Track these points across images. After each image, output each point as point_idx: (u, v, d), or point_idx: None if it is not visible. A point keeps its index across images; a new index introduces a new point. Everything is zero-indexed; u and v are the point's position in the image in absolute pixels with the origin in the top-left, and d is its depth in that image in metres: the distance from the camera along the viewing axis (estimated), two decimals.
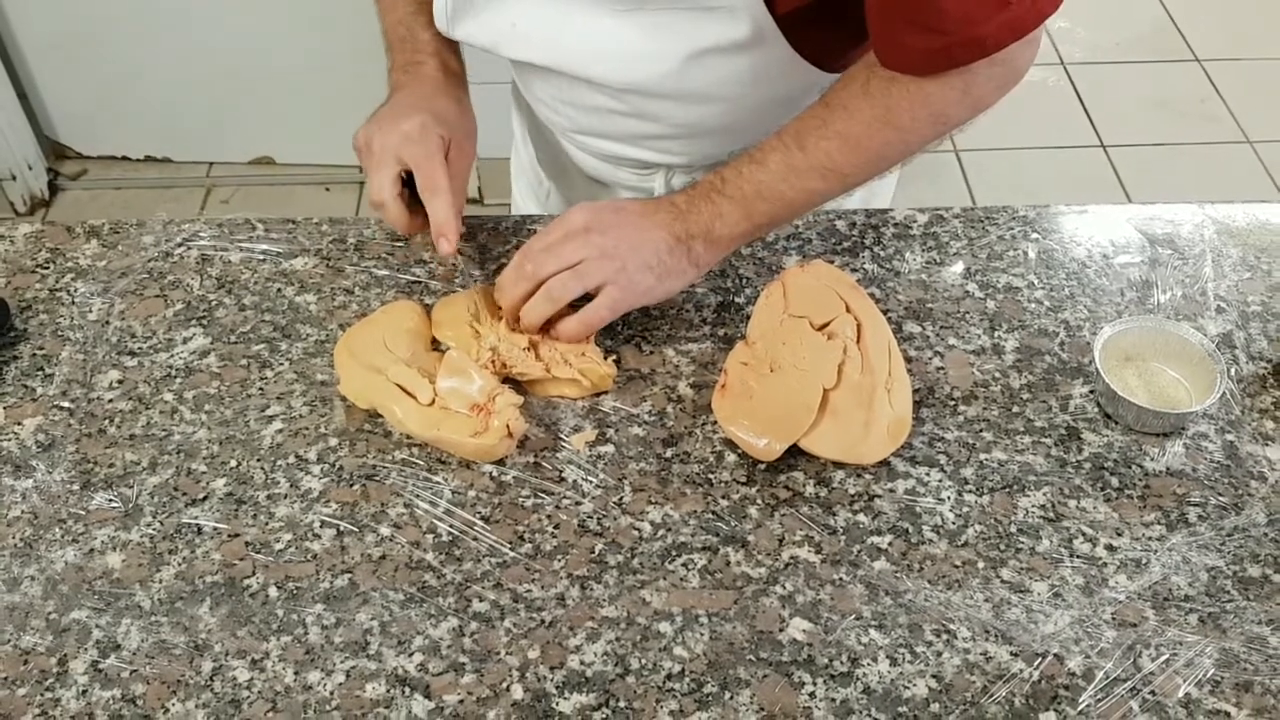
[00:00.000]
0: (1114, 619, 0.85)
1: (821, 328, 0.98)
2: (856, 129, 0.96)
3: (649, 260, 0.96)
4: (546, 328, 0.98)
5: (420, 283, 1.08)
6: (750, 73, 1.02)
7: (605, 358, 0.99)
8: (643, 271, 0.96)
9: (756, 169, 0.98)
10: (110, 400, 0.99)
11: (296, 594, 0.86)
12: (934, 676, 0.82)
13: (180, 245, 1.12)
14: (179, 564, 0.88)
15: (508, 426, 0.92)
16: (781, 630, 0.84)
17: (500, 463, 0.94)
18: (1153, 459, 0.95)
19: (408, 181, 1.02)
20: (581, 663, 0.83)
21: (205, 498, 0.92)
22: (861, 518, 0.91)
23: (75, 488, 0.93)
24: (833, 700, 0.80)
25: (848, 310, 0.99)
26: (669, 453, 0.95)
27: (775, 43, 0.99)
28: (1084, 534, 0.90)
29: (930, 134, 0.98)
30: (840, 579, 0.87)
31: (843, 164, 0.97)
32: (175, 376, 1.01)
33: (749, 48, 0.99)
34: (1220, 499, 0.92)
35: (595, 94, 1.08)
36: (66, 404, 0.99)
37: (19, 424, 0.97)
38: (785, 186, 0.97)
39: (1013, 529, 0.90)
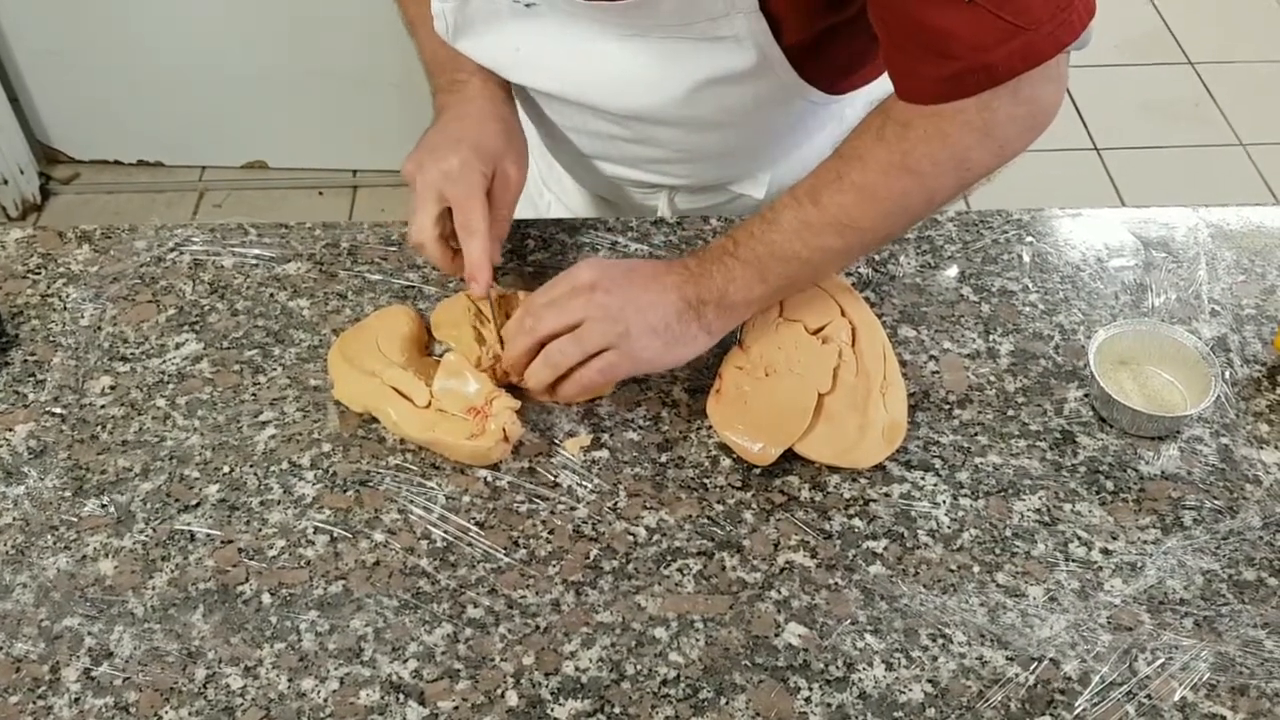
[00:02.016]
0: (1109, 623, 0.85)
1: (816, 332, 0.98)
2: (872, 178, 0.89)
3: (655, 324, 0.91)
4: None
5: (414, 287, 1.08)
6: (755, 99, 1.01)
7: None
8: (648, 336, 0.91)
9: (769, 229, 0.92)
10: (102, 406, 0.98)
11: (290, 600, 0.86)
12: (930, 681, 0.82)
13: (172, 250, 1.12)
14: (172, 571, 0.88)
15: (504, 430, 0.92)
16: (777, 635, 0.84)
17: (495, 468, 0.94)
18: (1148, 462, 0.95)
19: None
20: (576, 669, 0.82)
21: (198, 504, 0.92)
22: (857, 522, 0.90)
23: (67, 494, 0.92)
24: (828, 705, 0.80)
25: (842, 314, 0.99)
26: (664, 457, 0.95)
27: (781, 70, 0.98)
28: (1079, 538, 0.90)
29: (953, 181, 0.91)
30: (836, 584, 0.87)
31: (859, 217, 0.91)
32: (168, 382, 1.00)
33: (754, 76, 0.98)
34: (1215, 502, 0.92)
35: (599, 120, 1.08)
36: (58, 410, 0.98)
37: (10, 430, 0.97)
38: (800, 245, 0.91)
39: (1008, 533, 0.90)
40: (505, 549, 0.89)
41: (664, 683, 0.82)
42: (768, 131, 1.09)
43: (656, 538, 0.89)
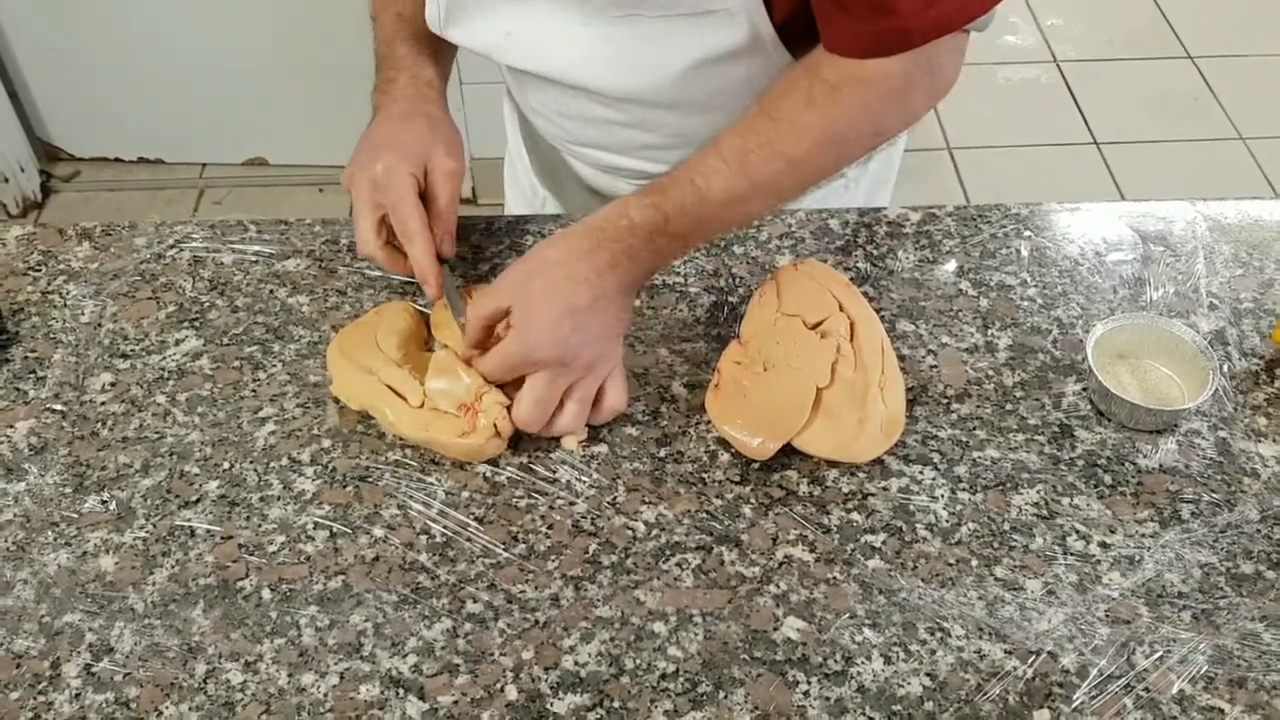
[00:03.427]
0: (1108, 616, 0.85)
1: (815, 326, 0.98)
2: (802, 149, 0.92)
3: (618, 331, 0.94)
4: None
5: (412, 283, 1.08)
6: (748, 81, 1.02)
7: None
8: (616, 345, 0.94)
9: (701, 203, 0.92)
10: (103, 403, 0.99)
11: (290, 596, 0.86)
12: (928, 675, 0.82)
13: (172, 247, 1.12)
14: (172, 566, 0.88)
15: (495, 426, 0.92)
16: (776, 629, 0.84)
17: (494, 463, 0.94)
18: (1146, 456, 0.95)
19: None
20: (576, 663, 0.82)
21: (198, 500, 0.92)
22: (855, 516, 0.91)
23: (68, 491, 0.93)
24: (827, 699, 0.80)
25: (841, 309, 0.99)
26: (663, 452, 0.95)
27: (773, 49, 0.99)
28: (1077, 531, 0.90)
29: (868, 147, 0.98)
30: (834, 578, 0.87)
31: (785, 186, 0.95)
32: (168, 379, 1.00)
33: (747, 55, 0.99)
34: (1213, 495, 0.92)
35: (593, 104, 1.08)
36: (59, 407, 0.98)
37: (11, 427, 0.97)
38: (729, 214, 0.95)
39: (1006, 527, 0.90)
40: (504, 544, 0.89)
41: (663, 677, 0.82)
42: None
43: (655, 532, 0.90)
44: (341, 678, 0.82)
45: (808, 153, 0.93)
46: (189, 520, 0.90)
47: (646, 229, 0.92)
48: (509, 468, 0.94)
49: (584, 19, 0.99)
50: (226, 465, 0.94)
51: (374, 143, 1.02)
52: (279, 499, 0.92)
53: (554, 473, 0.93)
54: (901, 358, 1.01)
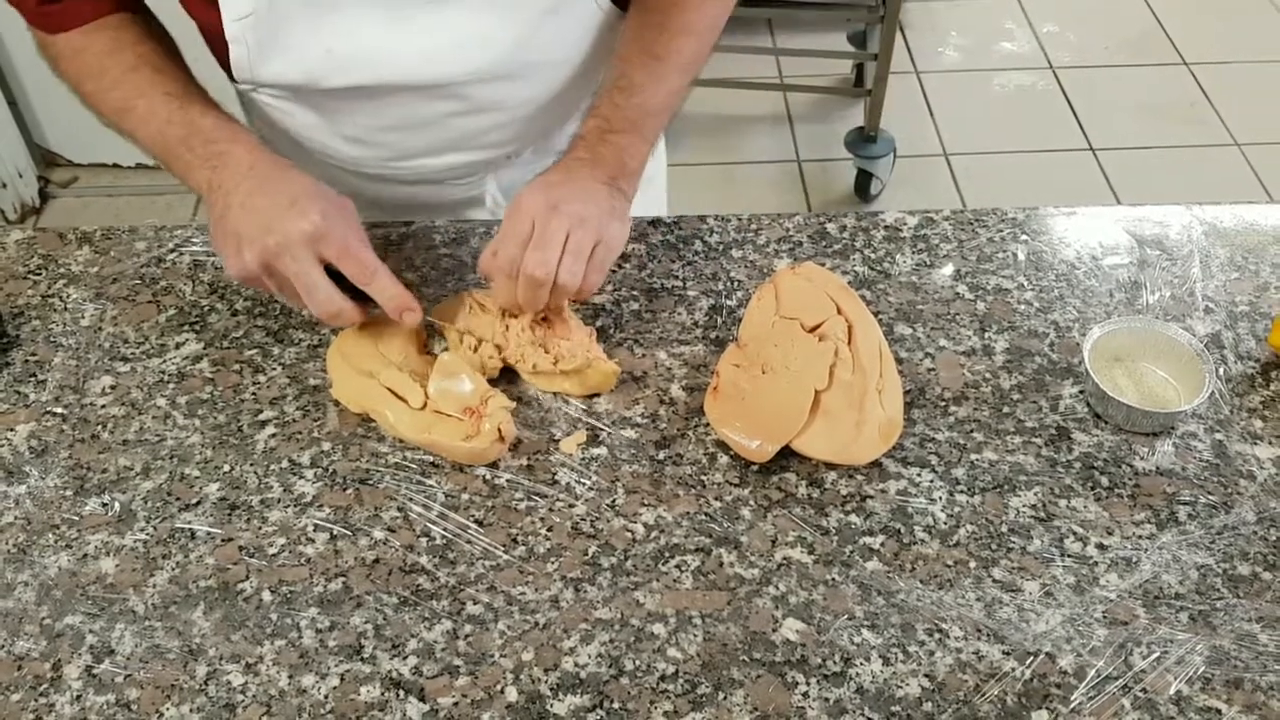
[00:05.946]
0: (1105, 617, 0.85)
1: (813, 329, 0.98)
2: (692, 16, 1.05)
3: (606, 209, 0.97)
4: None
5: (411, 286, 1.08)
6: (579, 27, 1.08)
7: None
8: (610, 220, 0.97)
9: (630, 95, 1.02)
10: (103, 406, 0.99)
11: (290, 598, 0.86)
12: (926, 676, 0.82)
13: (172, 251, 1.12)
14: (173, 569, 0.88)
15: (499, 429, 0.93)
16: (774, 631, 0.84)
17: (493, 466, 0.94)
18: (1142, 458, 0.95)
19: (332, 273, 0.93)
20: (575, 664, 0.83)
21: (198, 502, 0.92)
22: (853, 518, 0.91)
23: (68, 493, 0.93)
24: (826, 700, 0.81)
25: (839, 312, 0.99)
26: (661, 455, 0.95)
27: None
28: (1075, 533, 0.90)
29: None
30: (833, 579, 0.87)
31: (691, 55, 1.06)
32: (168, 382, 1.01)
33: (572, 4, 1.04)
34: (1210, 498, 0.93)
35: (430, 101, 1.06)
36: (59, 410, 0.99)
37: (12, 430, 0.97)
38: (659, 96, 1.04)
39: (1004, 529, 0.90)
40: (504, 546, 0.89)
41: (662, 678, 0.82)
42: (590, 70, 1.12)
43: (654, 534, 0.90)
44: (342, 679, 0.82)
45: (697, 17, 1.05)
46: (189, 523, 0.91)
47: (594, 133, 1.02)
48: (508, 470, 0.94)
49: (407, 13, 0.98)
50: (227, 468, 0.94)
51: (281, 201, 0.92)
52: (279, 501, 0.92)
53: (553, 475, 0.94)
54: (899, 360, 1.01)
